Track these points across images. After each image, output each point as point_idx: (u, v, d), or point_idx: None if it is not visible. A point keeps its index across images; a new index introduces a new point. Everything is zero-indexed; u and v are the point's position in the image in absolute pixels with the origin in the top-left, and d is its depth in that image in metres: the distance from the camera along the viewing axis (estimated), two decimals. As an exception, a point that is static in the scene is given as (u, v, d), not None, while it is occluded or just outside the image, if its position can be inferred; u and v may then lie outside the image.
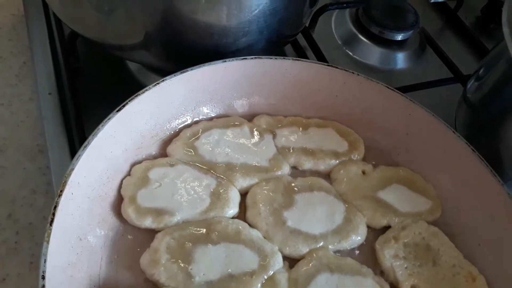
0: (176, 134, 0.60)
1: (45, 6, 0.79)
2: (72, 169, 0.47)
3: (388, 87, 0.61)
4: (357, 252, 0.55)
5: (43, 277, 0.41)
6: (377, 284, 0.51)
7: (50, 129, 0.65)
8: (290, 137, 0.62)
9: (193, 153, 0.58)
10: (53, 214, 0.44)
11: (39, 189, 0.65)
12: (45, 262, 0.42)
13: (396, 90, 0.61)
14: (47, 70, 0.72)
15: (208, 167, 0.57)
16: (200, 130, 0.60)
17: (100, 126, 0.51)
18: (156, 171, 0.55)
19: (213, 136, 0.60)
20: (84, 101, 0.68)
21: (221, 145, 0.59)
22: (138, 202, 0.53)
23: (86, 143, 0.49)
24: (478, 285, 0.52)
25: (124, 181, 0.54)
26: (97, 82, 0.72)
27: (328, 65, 0.62)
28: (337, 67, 0.62)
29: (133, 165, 0.56)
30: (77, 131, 0.64)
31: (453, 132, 0.58)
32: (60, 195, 0.46)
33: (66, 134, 0.65)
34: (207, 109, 0.62)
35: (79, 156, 0.48)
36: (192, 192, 0.55)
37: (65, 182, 0.46)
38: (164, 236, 0.50)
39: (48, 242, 0.43)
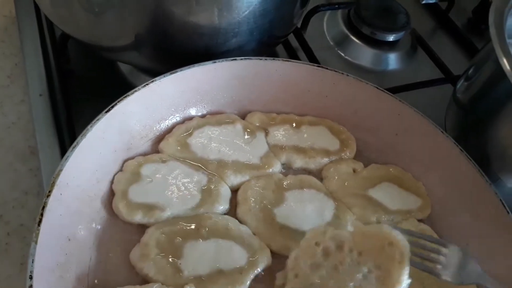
0: (168, 132, 0.60)
1: (37, 8, 0.79)
2: (61, 170, 0.48)
3: (377, 88, 0.62)
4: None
5: (31, 277, 0.41)
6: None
7: (41, 131, 0.65)
8: (282, 135, 0.63)
9: (185, 150, 0.58)
10: (41, 215, 0.45)
11: (31, 191, 0.65)
12: (32, 262, 0.42)
13: (385, 91, 0.62)
14: (39, 71, 0.72)
15: (200, 164, 0.58)
16: (193, 126, 0.60)
17: (89, 126, 0.51)
18: (148, 167, 0.56)
19: (205, 133, 0.60)
20: (75, 103, 0.68)
21: (214, 142, 0.60)
22: (129, 197, 0.53)
23: (74, 143, 0.50)
24: (466, 283, 0.52)
25: (116, 176, 0.55)
26: (88, 83, 0.72)
27: (317, 66, 0.63)
28: (326, 68, 0.62)
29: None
30: (68, 133, 0.64)
31: (442, 132, 0.59)
32: (48, 196, 0.46)
33: (57, 136, 0.65)
34: (197, 110, 0.62)
35: (68, 157, 0.49)
36: (183, 188, 0.55)
37: (54, 183, 0.47)
38: (154, 231, 0.51)
39: (36, 242, 0.43)
